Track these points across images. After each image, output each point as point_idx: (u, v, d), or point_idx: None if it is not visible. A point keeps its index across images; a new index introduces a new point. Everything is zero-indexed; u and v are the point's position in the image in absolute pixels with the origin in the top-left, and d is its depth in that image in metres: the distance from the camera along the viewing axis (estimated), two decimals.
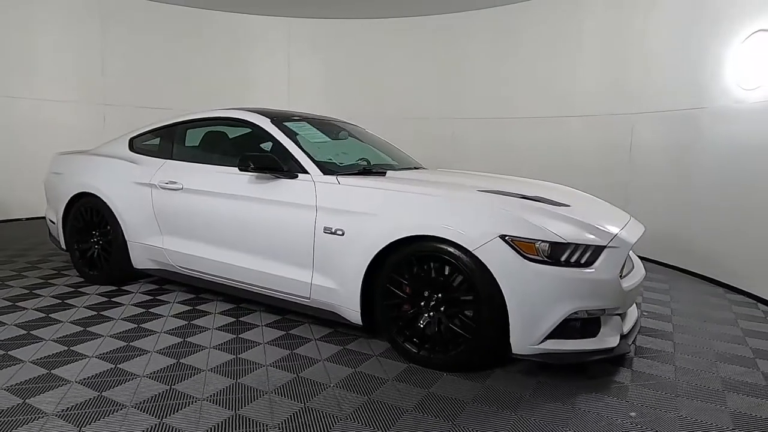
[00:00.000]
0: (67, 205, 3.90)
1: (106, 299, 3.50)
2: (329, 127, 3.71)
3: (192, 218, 3.31)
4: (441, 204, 2.54)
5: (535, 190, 2.86)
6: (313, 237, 2.80)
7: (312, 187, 2.86)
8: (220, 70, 7.74)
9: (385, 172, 3.15)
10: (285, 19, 7.87)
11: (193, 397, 2.19)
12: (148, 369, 2.46)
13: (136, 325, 3.03)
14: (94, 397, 2.17)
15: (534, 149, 6.54)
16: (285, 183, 2.95)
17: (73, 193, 3.83)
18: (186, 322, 3.10)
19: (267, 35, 7.91)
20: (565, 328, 2.34)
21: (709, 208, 4.41)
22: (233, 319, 3.17)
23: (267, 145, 3.37)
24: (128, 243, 3.62)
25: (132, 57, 7.24)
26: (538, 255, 2.30)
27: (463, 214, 2.45)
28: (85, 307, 3.33)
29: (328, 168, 2.99)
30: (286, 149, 3.06)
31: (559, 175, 5.07)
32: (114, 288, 3.75)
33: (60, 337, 2.81)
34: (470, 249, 2.35)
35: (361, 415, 2.09)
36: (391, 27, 7.64)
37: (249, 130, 3.43)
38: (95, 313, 3.22)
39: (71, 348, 2.68)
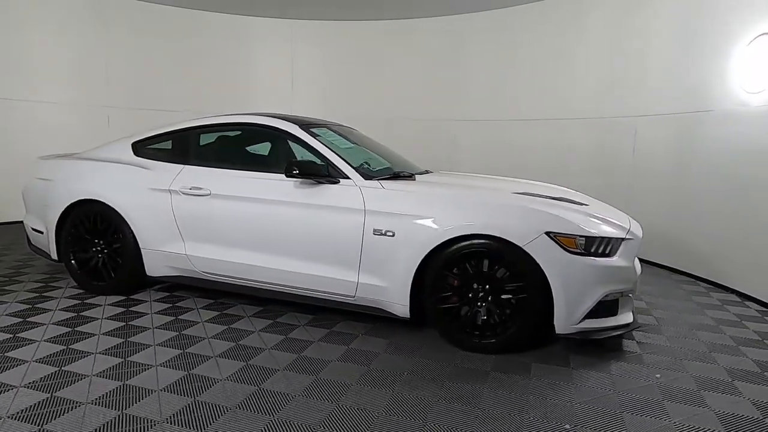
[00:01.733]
0: (63, 213, 3.68)
1: (124, 309, 3.40)
2: (346, 133, 3.86)
3: (222, 223, 3.32)
4: (489, 205, 2.85)
5: (551, 192, 3.27)
6: (362, 239, 2.99)
7: (358, 191, 3.04)
8: (225, 72, 7.74)
9: (414, 177, 3.39)
10: (288, 21, 7.86)
11: (286, 395, 2.31)
12: (224, 372, 2.51)
13: (177, 333, 3.01)
14: (189, 403, 2.22)
15: (534, 151, 6.60)
16: (329, 188, 3.10)
17: (72, 201, 3.64)
18: (225, 327, 3.13)
19: (270, 37, 7.93)
20: (597, 309, 2.76)
21: (712, 211, 4.39)
22: (270, 321, 3.26)
23: (286, 151, 3.48)
24: (142, 251, 3.53)
25: (135, 59, 7.23)
26: (576, 248, 2.70)
27: (511, 214, 2.78)
28: (108, 318, 3.22)
29: (365, 173, 3.18)
30: (324, 155, 3.20)
31: (559, 177, 5.14)
32: (123, 298, 3.63)
33: (106, 349, 2.74)
34: (520, 245, 2.69)
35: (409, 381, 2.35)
36: (392, 29, 7.69)
37: (273, 135, 3.50)
38: (122, 323, 3.14)
39: (129, 359, 2.64)
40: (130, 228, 3.52)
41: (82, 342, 2.84)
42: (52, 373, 2.45)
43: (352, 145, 3.66)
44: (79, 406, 2.17)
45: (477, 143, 7.28)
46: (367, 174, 3.19)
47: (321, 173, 3.09)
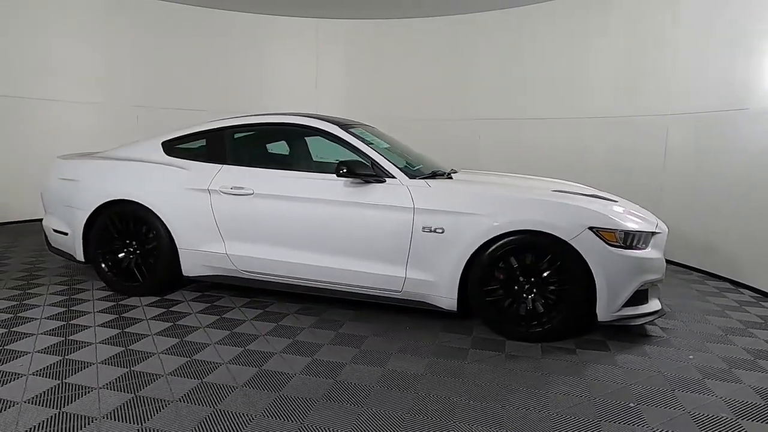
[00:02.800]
0: (92, 214, 3.62)
1: (164, 309, 3.39)
2: (378, 133, 3.96)
3: (266, 223, 3.37)
4: (536, 203, 3.03)
5: (582, 190, 3.48)
6: (411, 236, 3.11)
7: (406, 190, 3.15)
8: (249, 71, 7.79)
9: (451, 175, 3.54)
10: (312, 20, 7.86)
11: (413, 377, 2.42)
12: (295, 368, 2.59)
13: (229, 331, 3.05)
14: (276, 397, 2.29)
15: (553, 151, 6.55)
16: (376, 187, 3.20)
17: (103, 201, 3.59)
18: (275, 324, 3.19)
19: (295, 36, 7.95)
20: (633, 298, 2.99)
21: (749, 215, 4.23)
22: (317, 317, 3.34)
23: (324, 152, 3.56)
24: (179, 250, 3.53)
25: (161, 59, 7.32)
26: (617, 242, 2.91)
27: (557, 211, 2.97)
28: (153, 319, 3.22)
29: (408, 172, 3.30)
30: (368, 156, 3.29)
31: (580, 178, 5.15)
32: (157, 298, 3.61)
33: (166, 349, 2.76)
34: (566, 239, 2.88)
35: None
36: (412, 27, 7.69)
37: (310, 135, 3.57)
38: (169, 323, 3.14)
39: (194, 357, 2.67)
40: (166, 228, 3.51)
41: (139, 342, 2.84)
42: (124, 374, 2.46)
43: (387, 145, 3.77)
44: (168, 404, 2.20)
45: (496, 143, 7.24)
46: (410, 173, 3.31)
47: (370, 173, 3.18)
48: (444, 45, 7.57)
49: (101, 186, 3.64)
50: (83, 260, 3.75)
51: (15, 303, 3.43)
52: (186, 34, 7.43)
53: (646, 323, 3.19)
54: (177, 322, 3.18)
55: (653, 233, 3.07)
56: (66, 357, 2.63)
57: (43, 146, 6.22)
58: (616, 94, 5.88)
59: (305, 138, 3.74)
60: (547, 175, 4.69)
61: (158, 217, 3.51)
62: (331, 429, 2.05)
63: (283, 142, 3.75)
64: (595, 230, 2.90)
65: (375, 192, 3.20)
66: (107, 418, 2.08)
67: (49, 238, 3.99)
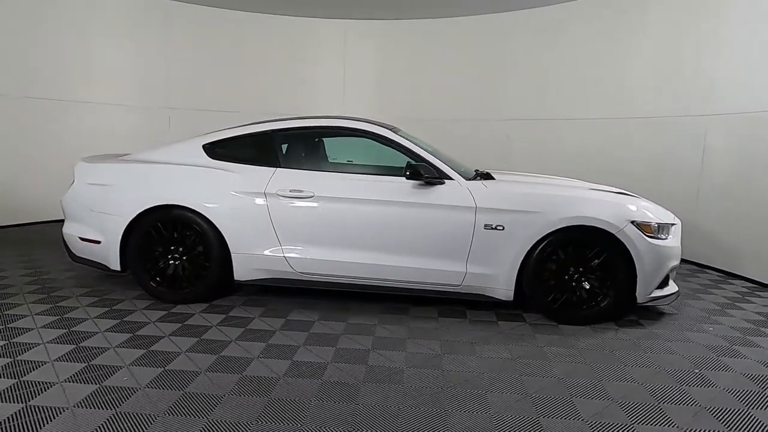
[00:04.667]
0: (133, 220, 3.47)
1: (223, 315, 3.35)
2: (408, 135, 4.13)
3: (328, 224, 3.44)
4: (585, 200, 3.39)
5: (610, 189, 3.88)
6: (472, 233, 3.35)
7: (466, 190, 3.39)
8: (279, 72, 7.82)
9: (493, 177, 3.81)
10: (341, 21, 7.76)
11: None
12: (406, 365, 2.74)
13: (306, 332, 3.11)
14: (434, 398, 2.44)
15: (587, 152, 6.42)
16: (439, 188, 3.40)
17: (147, 207, 3.45)
18: (345, 322, 3.29)
19: (323, 38, 7.93)
20: (662, 281, 3.46)
21: None
22: (403, 315, 3.48)
23: (377, 154, 3.70)
24: (232, 255, 3.49)
25: (193, 61, 7.41)
26: (652, 233, 3.36)
27: (604, 207, 3.35)
28: (221, 326, 3.18)
29: (462, 174, 3.53)
30: (426, 159, 3.48)
31: (613, 180, 5.11)
32: (206, 305, 3.55)
33: (263, 353, 2.78)
34: (614, 232, 3.28)
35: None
36: (440, 27, 7.63)
37: (365, 139, 3.67)
38: (241, 328, 3.14)
39: (294, 358, 2.72)
40: (219, 233, 3.46)
41: (231, 348, 2.83)
42: (239, 378, 2.48)
43: (430, 148, 3.96)
44: (301, 406, 2.28)
45: (527, 144, 7.13)
46: (464, 175, 3.54)
47: (434, 176, 3.38)
48: (473, 45, 7.50)
49: (144, 190, 3.49)
50: (119, 269, 3.58)
51: (56, 317, 3.22)
52: (215, 36, 7.50)
53: (669, 303, 3.68)
54: (248, 327, 3.17)
55: (673, 224, 3.56)
56: (164, 368, 2.57)
57: (72, 148, 6.09)
58: (652, 94, 5.73)
59: (354, 141, 3.83)
60: (581, 177, 4.76)
61: (210, 222, 3.45)
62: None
63: (331, 146, 3.81)
64: (636, 223, 3.32)
65: (438, 193, 3.40)
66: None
67: (72, 248, 3.74)
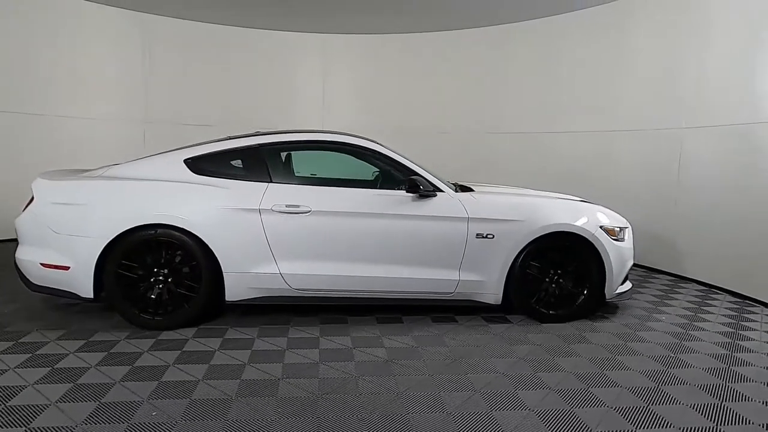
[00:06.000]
0: (110, 243, 3.18)
1: (239, 339, 3.19)
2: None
3: (325, 239, 3.42)
4: (566, 209, 3.73)
5: (573, 198, 4.26)
6: (465, 242, 3.54)
7: (458, 202, 3.56)
8: (258, 86, 7.72)
9: (473, 188, 4.03)
10: (320, 36, 7.66)
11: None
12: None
13: (346, 346, 3.07)
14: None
15: (574, 164, 6.45)
16: (432, 201, 3.53)
17: (129, 227, 3.18)
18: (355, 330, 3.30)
19: (303, 52, 7.92)
20: (624, 279, 3.91)
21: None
22: (436, 332, 3.52)
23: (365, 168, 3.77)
24: (224, 275, 3.33)
25: (171, 75, 7.29)
26: (616, 236, 3.78)
27: (580, 214, 3.70)
28: (231, 350, 3.03)
29: (450, 186, 3.71)
30: (417, 173, 3.60)
31: (602, 192, 5.53)
32: (194, 329, 3.35)
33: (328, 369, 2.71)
34: (588, 237, 3.64)
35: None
36: (425, 42, 7.69)
37: (354, 153, 3.71)
38: (278, 347, 3.02)
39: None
40: (210, 252, 3.29)
41: (250, 371, 2.71)
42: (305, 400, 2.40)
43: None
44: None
45: (514, 156, 7.17)
46: (451, 187, 3.72)
47: (429, 189, 3.52)
48: (455, 59, 7.62)
49: (124, 209, 3.21)
50: (91, 297, 3.25)
51: (27, 354, 2.84)
52: (194, 50, 7.41)
53: (627, 298, 4.14)
54: (292, 350, 3.05)
55: (627, 227, 4.03)
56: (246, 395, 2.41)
57: (32, 163, 5.69)
58: (637, 106, 5.78)
59: (345, 155, 3.83)
60: (567, 189, 4.84)
61: (200, 241, 3.27)
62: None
63: (321, 160, 3.79)
64: (604, 228, 3.72)
65: (432, 205, 3.54)
66: None
67: (29, 275, 3.31)
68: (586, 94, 6.37)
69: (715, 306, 4.28)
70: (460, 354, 3.08)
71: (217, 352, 3.00)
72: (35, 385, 2.49)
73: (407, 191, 3.48)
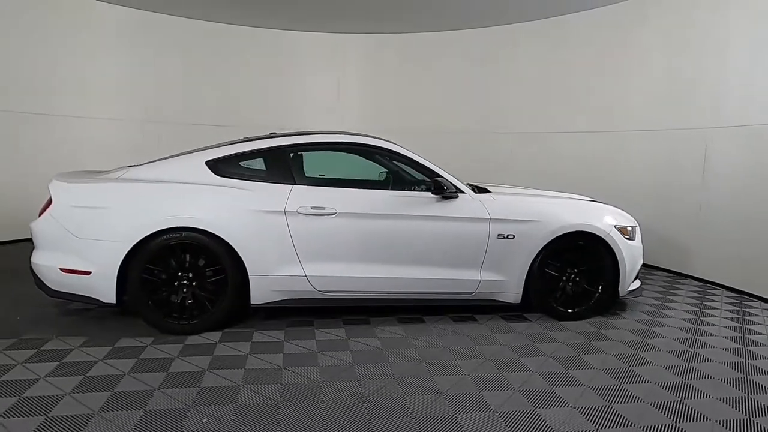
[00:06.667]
0: (133, 247, 3.12)
1: (268, 342, 3.16)
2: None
3: (350, 241, 3.42)
4: (582, 209, 3.82)
5: (586, 198, 4.36)
6: (487, 242, 3.59)
7: (479, 203, 3.61)
8: (273, 86, 7.72)
9: (489, 189, 4.08)
10: (334, 35, 7.62)
11: None
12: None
13: (376, 349, 3.08)
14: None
15: (585, 165, 6.35)
16: (455, 202, 3.57)
17: (153, 230, 3.12)
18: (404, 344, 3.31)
19: (317, 51, 7.89)
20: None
21: None
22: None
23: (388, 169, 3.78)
24: (250, 278, 3.30)
25: (182, 75, 7.31)
26: (629, 235, 3.89)
27: (596, 215, 3.80)
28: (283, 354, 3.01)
29: (468, 187, 3.76)
30: (440, 174, 3.63)
31: (613, 194, 5.41)
32: (219, 333, 3.31)
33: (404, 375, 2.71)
34: (603, 236, 3.74)
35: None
36: (435, 40, 7.62)
37: (375, 154, 3.73)
38: (329, 353, 3.00)
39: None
40: (236, 255, 3.25)
41: (289, 376, 2.70)
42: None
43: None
44: None
45: (523, 156, 7.08)
46: (472, 188, 3.77)
47: (452, 190, 3.55)
48: (470, 58, 7.52)
49: (149, 212, 3.15)
50: (113, 303, 3.17)
51: (54, 362, 2.77)
52: (207, 50, 7.41)
53: (638, 296, 4.26)
54: (359, 351, 3.04)
55: (636, 227, 4.16)
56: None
57: (59, 163, 5.46)
58: (654, 106, 5.65)
59: (365, 156, 3.84)
60: (581, 190, 4.86)
61: (227, 244, 3.23)
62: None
63: (338, 160, 3.78)
64: (618, 228, 3.83)
65: (455, 206, 3.58)
66: None
67: (46, 280, 3.21)
68: (596, 94, 6.28)
69: (757, 316, 4.08)
70: (490, 353, 3.13)
71: (249, 356, 2.97)
72: (73, 394, 2.43)
73: (433, 192, 3.51)
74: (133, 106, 7.03)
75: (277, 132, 4.15)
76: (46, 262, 3.20)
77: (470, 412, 2.40)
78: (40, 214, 3.28)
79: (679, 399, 2.59)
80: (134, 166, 3.64)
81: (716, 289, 4.90)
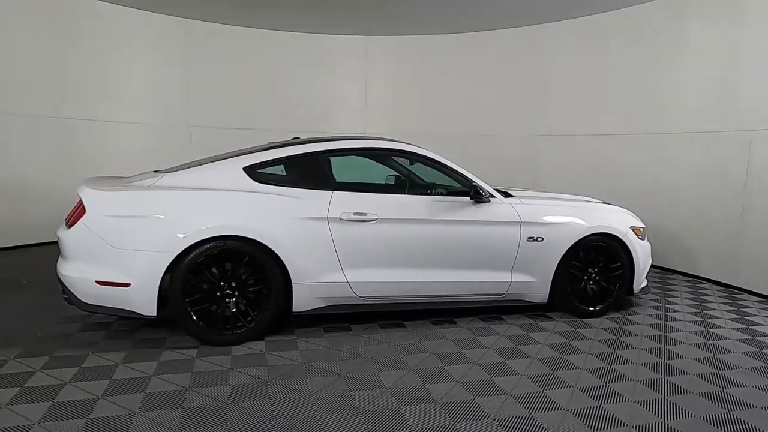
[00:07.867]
0: (179, 255, 3.02)
1: (318, 348, 3.13)
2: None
3: (391, 246, 3.45)
4: (603, 212, 4.02)
5: (593, 198, 4.57)
6: (518, 245, 3.72)
7: (510, 207, 3.73)
8: (300, 90, 7.75)
9: (511, 194, 4.20)
10: (362, 38, 7.80)
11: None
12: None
13: (437, 359, 3.11)
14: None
15: (623, 169, 6.07)
16: (488, 206, 3.67)
17: (196, 240, 3.03)
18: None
19: (345, 54, 7.87)
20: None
21: None
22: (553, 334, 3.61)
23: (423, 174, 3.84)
24: (293, 285, 3.27)
25: (213, 79, 7.36)
26: (642, 236, 4.14)
27: (615, 217, 4.02)
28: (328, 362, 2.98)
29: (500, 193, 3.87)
30: (472, 180, 3.72)
31: (653, 198, 5.50)
32: (262, 342, 3.25)
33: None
34: (621, 237, 3.96)
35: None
36: (466, 42, 7.48)
37: (411, 160, 3.77)
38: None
39: (494, 379, 2.74)
40: (281, 263, 3.21)
41: (360, 394, 2.70)
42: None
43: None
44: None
45: (559, 160, 6.81)
46: (501, 193, 3.89)
47: (486, 195, 3.65)
48: (501, 59, 7.32)
49: (192, 221, 3.05)
50: (153, 315, 3.05)
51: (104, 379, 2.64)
52: (236, 54, 7.45)
53: (646, 293, 4.50)
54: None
55: (644, 227, 4.42)
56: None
57: (91, 168, 5.61)
58: (693, 108, 5.39)
59: (401, 162, 3.87)
60: (607, 194, 5.00)
61: (272, 252, 3.18)
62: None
63: (374, 166, 3.79)
64: (633, 229, 4.06)
65: (489, 210, 3.68)
66: None
67: (79, 294, 3.04)
68: (633, 95, 5.97)
69: None
70: (535, 352, 3.25)
71: (304, 365, 2.94)
72: (144, 413, 2.34)
73: (471, 198, 3.59)
74: (162, 110, 7.09)
75: (300, 138, 4.13)
76: (80, 274, 3.03)
77: (543, 411, 2.50)
78: (67, 222, 3.11)
79: (722, 389, 2.80)
80: (158, 171, 3.52)
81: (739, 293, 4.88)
